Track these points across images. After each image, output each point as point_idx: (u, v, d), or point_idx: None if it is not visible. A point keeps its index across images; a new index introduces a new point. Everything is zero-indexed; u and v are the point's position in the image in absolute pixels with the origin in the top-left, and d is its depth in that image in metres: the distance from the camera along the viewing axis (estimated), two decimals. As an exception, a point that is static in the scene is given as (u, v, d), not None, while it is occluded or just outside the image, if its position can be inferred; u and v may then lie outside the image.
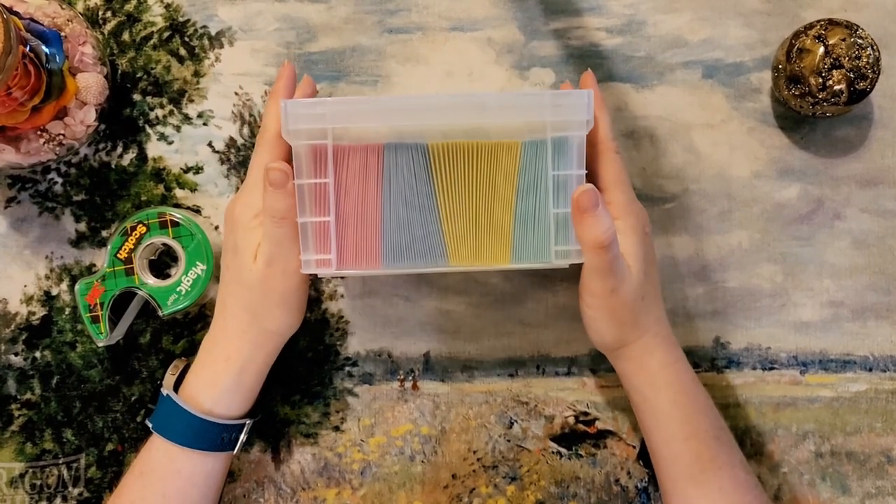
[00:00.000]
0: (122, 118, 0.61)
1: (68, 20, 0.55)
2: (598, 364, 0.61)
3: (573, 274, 0.54)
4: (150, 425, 0.53)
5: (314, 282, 0.61)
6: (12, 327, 0.61)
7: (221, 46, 0.62)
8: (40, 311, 0.61)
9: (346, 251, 0.51)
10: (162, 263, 0.61)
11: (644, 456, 0.60)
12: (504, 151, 0.50)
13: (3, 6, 0.50)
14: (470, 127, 0.51)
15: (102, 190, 0.61)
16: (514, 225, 0.51)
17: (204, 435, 0.53)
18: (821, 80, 0.56)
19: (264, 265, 0.51)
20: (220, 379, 0.53)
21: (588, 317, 0.53)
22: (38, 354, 0.61)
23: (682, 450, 0.52)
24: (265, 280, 0.51)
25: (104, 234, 0.61)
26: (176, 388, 0.54)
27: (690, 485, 0.52)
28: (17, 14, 0.53)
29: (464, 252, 0.51)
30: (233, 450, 0.54)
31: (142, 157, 0.61)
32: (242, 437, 0.55)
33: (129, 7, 0.62)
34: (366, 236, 0.51)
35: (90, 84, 0.55)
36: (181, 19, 0.62)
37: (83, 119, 0.56)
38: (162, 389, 0.54)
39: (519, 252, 0.51)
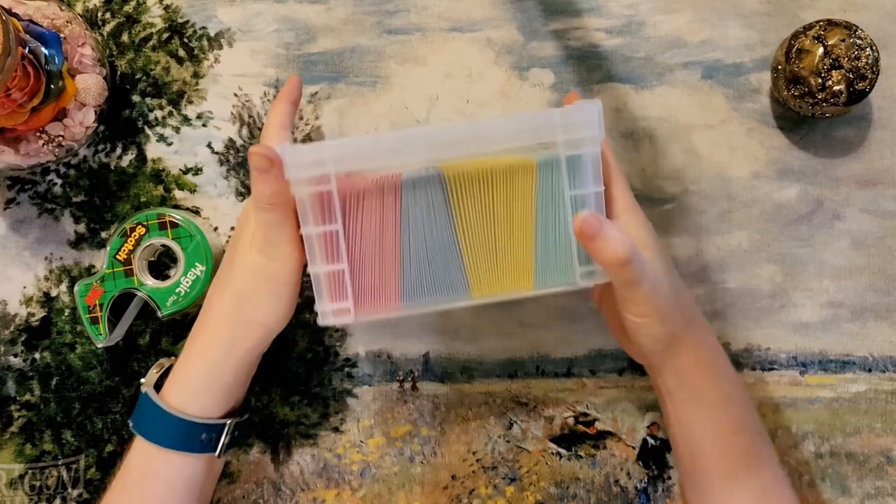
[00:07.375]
0: (121, 119, 0.61)
1: (67, 21, 0.55)
2: (597, 365, 0.61)
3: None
4: (130, 424, 0.52)
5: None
6: (12, 328, 0.61)
7: (220, 48, 0.62)
8: (40, 313, 0.61)
9: (364, 296, 0.49)
10: (161, 265, 0.61)
11: (643, 457, 0.60)
12: (520, 173, 0.49)
13: (3, 7, 0.50)
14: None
15: (102, 191, 0.61)
16: (535, 249, 0.49)
17: (179, 434, 0.50)
18: (820, 80, 0.56)
19: (257, 252, 0.49)
20: (192, 376, 0.51)
21: (636, 326, 0.50)
22: (37, 356, 0.61)
23: (731, 443, 0.50)
24: (257, 267, 0.49)
25: (103, 235, 0.61)
26: (160, 386, 0.52)
27: (732, 480, 0.50)
28: (16, 15, 0.53)
29: (486, 282, 0.50)
30: (214, 452, 0.51)
31: (141, 158, 0.61)
32: (224, 438, 0.52)
33: (128, 8, 0.62)
34: (385, 277, 0.49)
35: (89, 85, 0.55)
36: (180, 20, 0.62)
37: (82, 120, 0.55)
38: (142, 387, 0.52)
39: (542, 277, 0.50)
